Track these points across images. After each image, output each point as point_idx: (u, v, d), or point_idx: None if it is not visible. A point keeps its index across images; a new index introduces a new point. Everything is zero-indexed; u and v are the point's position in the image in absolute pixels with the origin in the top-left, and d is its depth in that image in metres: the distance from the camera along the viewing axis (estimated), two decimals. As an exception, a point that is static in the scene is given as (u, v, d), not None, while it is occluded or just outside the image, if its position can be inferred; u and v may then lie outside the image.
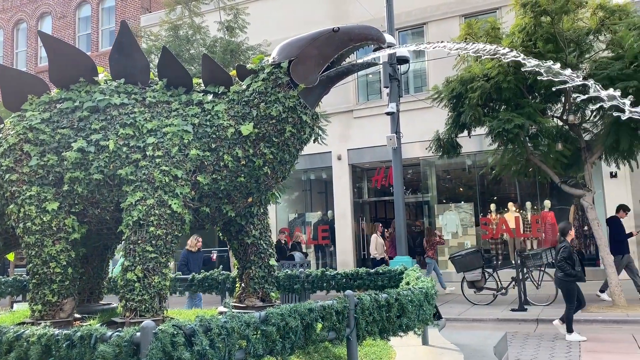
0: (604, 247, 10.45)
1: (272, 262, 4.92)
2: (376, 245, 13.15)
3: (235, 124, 4.39)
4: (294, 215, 18.60)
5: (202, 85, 4.81)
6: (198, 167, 4.37)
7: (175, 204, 4.24)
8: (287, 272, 6.32)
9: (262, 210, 5.00)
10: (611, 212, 14.08)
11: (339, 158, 16.96)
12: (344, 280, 6.03)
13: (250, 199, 4.64)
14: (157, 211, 4.22)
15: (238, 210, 4.69)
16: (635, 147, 10.43)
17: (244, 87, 4.55)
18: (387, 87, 11.69)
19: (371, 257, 13.04)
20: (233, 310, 3.75)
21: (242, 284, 4.93)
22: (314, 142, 14.90)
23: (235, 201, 4.56)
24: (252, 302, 4.77)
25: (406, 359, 4.13)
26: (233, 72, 4.79)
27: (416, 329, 3.89)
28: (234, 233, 4.95)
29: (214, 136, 4.40)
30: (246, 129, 4.34)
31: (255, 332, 2.97)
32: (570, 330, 8.01)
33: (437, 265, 13.65)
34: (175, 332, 2.63)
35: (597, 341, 7.91)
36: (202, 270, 7.26)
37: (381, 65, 11.66)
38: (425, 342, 4.59)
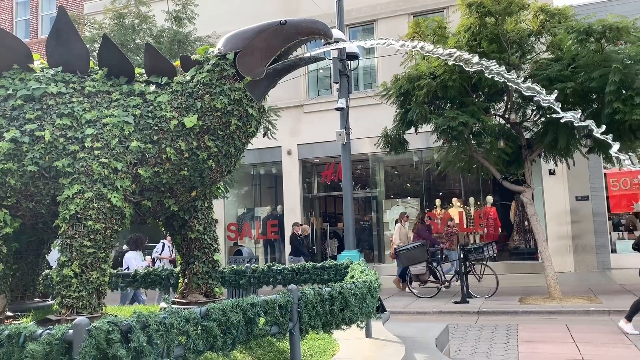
0: (542, 242, 10.89)
1: (217, 257, 4.85)
2: (400, 235, 12.94)
3: (179, 116, 4.29)
4: (243, 210, 18.45)
5: (145, 75, 4.67)
6: (139, 160, 4.24)
7: (115, 197, 4.11)
8: (232, 267, 6.25)
9: (206, 205, 4.91)
10: (550, 207, 14.74)
11: (289, 153, 16.93)
12: (290, 275, 6.01)
13: (194, 193, 4.55)
14: (95, 205, 4.07)
15: (181, 205, 4.60)
16: (572, 146, 10.92)
17: (188, 78, 4.45)
18: (336, 83, 11.72)
19: (394, 246, 12.86)
20: (172, 305, 3.67)
21: (185, 280, 4.84)
22: (264, 136, 14.85)
23: (178, 195, 4.46)
24: (195, 297, 4.69)
25: (349, 352, 4.17)
26: (177, 63, 4.68)
27: (359, 322, 3.94)
28: (177, 227, 4.84)
29: (156, 128, 4.28)
30: (190, 121, 4.25)
31: (195, 328, 2.92)
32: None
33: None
34: (111, 329, 2.55)
35: (533, 331, 8.24)
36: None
37: (331, 61, 11.70)
38: (368, 334, 4.65)
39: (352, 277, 4.60)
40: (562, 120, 3.77)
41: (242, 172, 16.22)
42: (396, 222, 13.58)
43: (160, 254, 11.49)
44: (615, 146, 3.80)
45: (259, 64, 4.39)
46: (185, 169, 4.32)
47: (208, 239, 4.82)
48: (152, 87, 4.50)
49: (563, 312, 9.38)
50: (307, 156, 17.15)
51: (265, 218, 17.74)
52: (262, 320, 3.26)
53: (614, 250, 14.48)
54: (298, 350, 3.40)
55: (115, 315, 2.98)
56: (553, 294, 10.32)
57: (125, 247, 10.73)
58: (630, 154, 10.88)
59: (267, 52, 4.41)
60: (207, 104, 4.31)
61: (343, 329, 3.79)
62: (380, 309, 5.89)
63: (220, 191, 5.44)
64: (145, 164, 4.25)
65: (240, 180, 16.55)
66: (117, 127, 4.25)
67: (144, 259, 10.62)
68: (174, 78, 4.53)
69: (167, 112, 4.32)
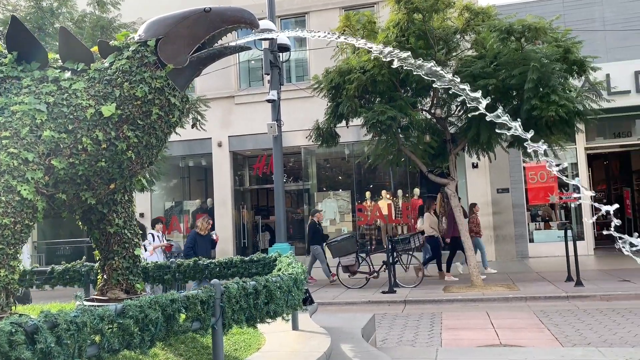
0: (464, 232, 11.34)
1: (138, 252, 4.67)
2: (430, 223, 12.70)
3: (96, 104, 4.07)
4: (171, 203, 17.97)
5: (60, 61, 4.40)
6: (53, 150, 3.99)
7: (25, 190, 3.85)
8: (156, 262, 6.06)
9: (126, 198, 4.71)
10: (473, 199, 15.36)
11: (220, 145, 16.64)
12: (217, 269, 5.91)
13: (112, 186, 4.35)
14: (3, 198, 3.80)
15: (99, 198, 4.38)
16: (494, 140, 11.38)
17: (107, 65, 4.23)
18: (268, 74, 11.63)
19: (425, 235, 12.60)
20: (85, 303, 3.49)
21: (104, 276, 4.63)
22: (193, 127, 14.50)
23: (95, 187, 4.25)
24: (115, 294, 4.49)
25: (275, 344, 4.15)
26: (95, 49, 4.44)
27: (285, 315, 3.92)
28: (95, 222, 4.61)
29: (71, 117, 4.04)
30: (108, 109, 4.05)
31: (110, 326, 2.80)
32: None
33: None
34: (14, 330, 2.38)
35: (456, 319, 8.57)
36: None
37: (262, 52, 11.58)
38: (295, 327, 4.65)
39: (280, 270, 4.57)
40: (490, 119, 3.86)
41: (170, 164, 15.77)
42: (421, 210, 13.46)
43: (152, 246, 11.12)
44: (529, 135, 3.89)
45: (182, 52, 4.25)
46: (103, 160, 4.12)
47: (128, 234, 4.63)
48: (67, 74, 4.25)
49: (484, 299, 9.81)
50: (239, 148, 16.93)
51: (194, 211, 17.36)
52: (182, 316, 3.17)
53: (531, 240, 15.32)
54: (221, 346, 3.34)
55: (21, 315, 2.79)
56: (475, 283, 10.78)
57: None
58: (546, 148, 11.54)
59: (190, 40, 4.27)
60: (126, 92, 4.12)
61: (268, 322, 3.76)
62: (308, 301, 5.91)
63: (142, 184, 5.24)
64: (59, 154, 4.01)
65: (168, 172, 16.09)
66: (27, 115, 3.98)
67: (163, 240, 10.39)
68: (91, 65, 4.29)
69: (83, 100, 4.09)
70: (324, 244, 12.47)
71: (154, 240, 11.14)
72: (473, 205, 13.17)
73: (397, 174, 16.58)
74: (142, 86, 4.12)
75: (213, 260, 6.08)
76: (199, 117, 13.42)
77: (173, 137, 11.62)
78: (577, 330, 7.28)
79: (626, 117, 15.26)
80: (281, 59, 11.93)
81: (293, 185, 17.71)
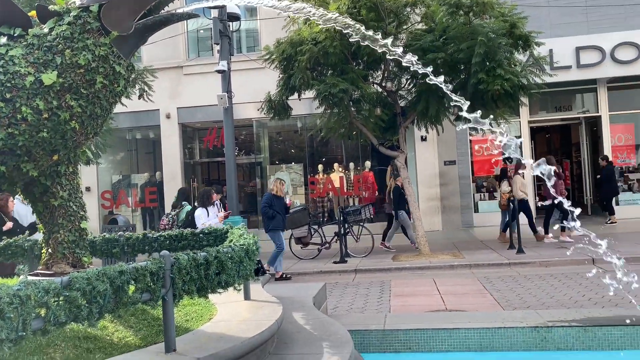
0: (413, 203, 11.62)
1: (84, 225, 4.55)
2: (520, 186, 12.17)
3: (36, 72, 3.89)
4: (119, 177, 17.50)
5: (-6, 25, 4.16)
6: (-11, 120, 3.81)
7: (-40, 161, 3.68)
8: (104, 235, 5.93)
9: (71, 170, 4.55)
10: (421, 171, 15.73)
11: (168, 116, 16.25)
12: (167, 242, 5.83)
13: (55, 157, 4.20)
14: (-63, 170, 3.62)
15: (42, 170, 4.22)
16: (442, 114, 11.63)
17: (46, 30, 4.04)
18: (217, 44, 11.36)
19: (511, 199, 11.94)
20: (29, 277, 3.41)
21: (49, 250, 4.50)
22: (140, 98, 14.06)
23: (37, 159, 4.09)
24: (60, 268, 4.38)
25: (227, 314, 4.19)
26: (32, 13, 4.22)
27: (236, 285, 3.95)
28: (38, 195, 4.45)
29: (8, 85, 3.85)
30: (49, 78, 3.88)
31: (56, 299, 2.74)
32: None
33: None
34: (-48, 306, 2.31)
35: (404, 286, 8.85)
36: None
37: (212, 21, 11.29)
38: (247, 297, 4.69)
39: (231, 241, 4.57)
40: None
41: (117, 136, 15.30)
42: (504, 174, 12.80)
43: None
44: (465, 105, 3.97)
45: (127, 18, 4.10)
46: (45, 130, 3.96)
47: (74, 206, 4.50)
48: (3, 40, 4.03)
49: (431, 267, 10.15)
50: (188, 120, 16.59)
51: (143, 185, 17.00)
52: (132, 288, 3.14)
53: (476, 210, 15.87)
54: (171, 317, 3.34)
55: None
56: (423, 252, 11.12)
57: (195, 204, 9.95)
58: (492, 121, 11.87)
59: (135, 6, 4.12)
60: (68, 59, 3.95)
61: (219, 293, 3.78)
62: (261, 271, 5.96)
63: (87, 156, 5.09)
64: (-4, 124, 3.83)
65: (115, 145, 15.61)
66: (-40, 83, 3.77)
67: (218, 213, 9.69)
68: (30, 30, 4.09)
69: (21, 67, 3.90)
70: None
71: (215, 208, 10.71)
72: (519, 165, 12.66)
73: (349, 147, 16.71)
74: (85, 53, 3.97)
75: (163, 234, 6.00)
76: (146, 88, 13.02)
77: (119, 109, 11.29)
78: (518, 295, 7.67)
79: (567, 91, 15.89)
80: (231, 29, 11.68)
81: (245, 158, 17.57)
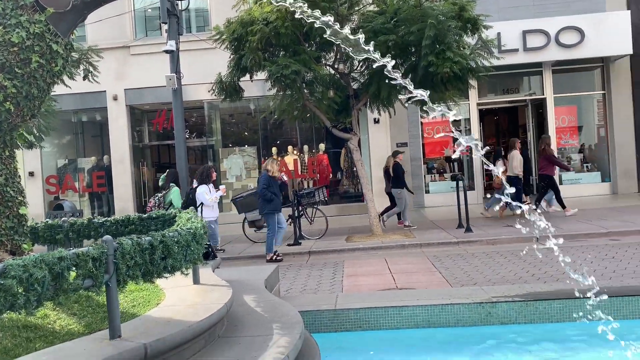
0: (366, 185, 11.75)
1: (23, 210, 4.38)
2: (519, 162, 12.39)
3: (-36, 50, 3.68)
4: (64, 161, 16.88)
5: None
6: None
7: None
8: (46, 222, 5.73)
9: (7, 153, 4.35)
10: (374, 153, 15.90)
11: (115, 98, 15.73)
12: (114, 227, 5.69)
13: (-11, 140, 4.01)
14: None
15: (-26, 153, 4.03)
16: (393, 96, 11.72)
17: (-25, 5, 3.82)
18: (165, 23, 11.06)
19: (508, 174, 12.26)
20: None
21: (-14, 237, 4.31)
22: (84, 79, 13.53)
23: (-31, 142, 3.90)
24: (-2, 256, 4.21)
25: (175, 299, 4.13)
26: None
27: (183, 270, 3.89)
28: (-29, 179, 4.25)
29: None
30: (-22, 56, 3.68)
31: (-10, 288, 2.63)
32: None
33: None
34: None
35: (357, 266, 8.97)
36: None
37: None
38: (196, 281, 4.64)
39: (179, 225, 4.50)
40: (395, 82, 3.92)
41: (61, 119, 14.74)
42: (499, 153, 13.19)
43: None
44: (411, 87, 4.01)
45: (63, -6, 3.92)
46: (-24, 111, 3.77)
47: (11, 192, 4.31)
48: None
49: (383, 247, 10.32)
50: (136, 102, 16.11)
51: (90, 169, 16.48)
52: (73, 274, 3.04)
53: (427, 191, 16.21)
54: (116, 302, 3.26)
55: None
56: (375, 232, 11.28)
57: (195, 182, 9.90)
58: (442, 104, 12.04)
59: (72, -19, 3.94)
60: (0, 37, 3.75)
61: (166, 277, 3.72)
62: (211, 255, 5.91)
63: (24, 138, 4.87)
64: None
65: (59, 128, 15.04)
66: None
67: (218, 189, 9.79)
68: (-44, 4, 3.85)
69: (-52, 44, 3.69)
70: (230, 199, 12.40)
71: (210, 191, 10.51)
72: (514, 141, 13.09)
73: (303, 129, 16.68)
74: (18, 31, 3.78)
75: (109, 219, 5.85)
76: (91, 69, 12.54)
77: (63, 90, 10.92)
78: (465, 272, 7.90)
79: (514, 74, 16.32)
80: (179, 7, 11.38)
81: (196, 141, 17.27)
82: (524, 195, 12.82)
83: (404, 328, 5.19)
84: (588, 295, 4.19)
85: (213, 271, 5.43)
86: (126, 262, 3.28)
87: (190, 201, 9.28)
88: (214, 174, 9.93)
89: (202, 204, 9.24)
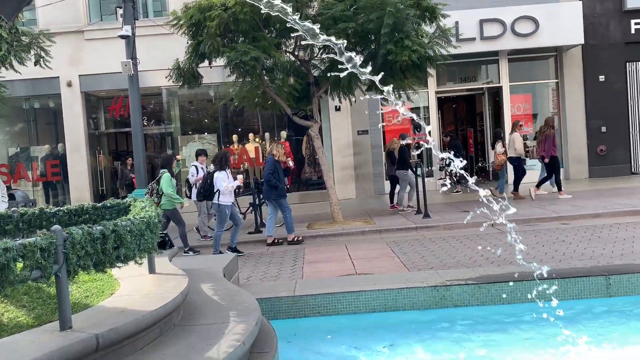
0: (327, 172, 11.80)
1: (-33, 201, 4.23)
2: (519, 143, 12.75)
3: None
4: (16, 149, 16.31)
5: None
6: None
7: None
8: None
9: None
10: (336, 141, 15.97)
11: (69, 84, 15.26)
12: (67, 217, 5.54)
13: None
14: None
15: None
16: (354, 84, 11.78)
17: None
18: (120, 8, 10.76)
19: (510, 155, 12.71)
20: None
21: None
22: (36, 65, 13.07)
23: None
24: (-59, 248, 4.05)
25: (129, 289, 4.07)
26: None
27: (137, 259, 3.84)
28: None
29: None
30: None
31: None
32: None
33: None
34: None
35: (318, 253, 9.04)
36: None
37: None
38: (152, 270, 4.58)
39: (133, 214, 4.42)
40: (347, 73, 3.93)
41: (12, 106, 14.21)
42: (498, 136, 13.65)
43: (196, 178, 10.62)
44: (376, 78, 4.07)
45: (6, -24, 3.77)
46: None
47: (-46, 181, 4.15)
48: None
49: (343, 234, 10.43)
50: (92, 89, 15.67)
51: (43, 158, 15.99)
52: (20, 265, 2.96)
53: (387, 178, 16.39)
54: (66, 293, 3.19)
55: None
56: (336, 219, 11.37)
57: (211, 167, 9.85)
58: (402, 92, 12.16)
59: (15, -38, 3.79)
60: (-62, 19, 3.58)
61: (119, 267, 3.66)
62: (168, 244, 5.85)
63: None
64: None
65: (10, 115, 14.50)
66: None
67: (236, 178, 9.62)
68: None
69: None
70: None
71: (197, 172, 10.65)
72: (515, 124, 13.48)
73: (265, 116, 16.58)
74: (-43, 13, 3.61)
75: (62, 208, 5.70)
76: (43, 54, 12.08)
77: (13, 76, 10.55)
78: (423, 257, 8.08)
79: (472, 63, 16.62)
80: (135, -8, 11.08)
81: (155, 128, 16.95)
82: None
83: (361, 312, 5.28)
84: (535, 277, 4.37)
85: (170, 260, 5.38)
86: (77, 252, 3.22)
87: (208, 186, 9.34)
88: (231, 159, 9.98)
89: (219, 189, 9.21)
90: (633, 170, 16.27)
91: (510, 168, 13.26)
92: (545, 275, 4.46)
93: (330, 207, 11.61)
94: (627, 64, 16.20)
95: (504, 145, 13.13)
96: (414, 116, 4.65)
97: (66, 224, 5.46)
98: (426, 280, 5.57)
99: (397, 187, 12.84)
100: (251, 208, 11.52)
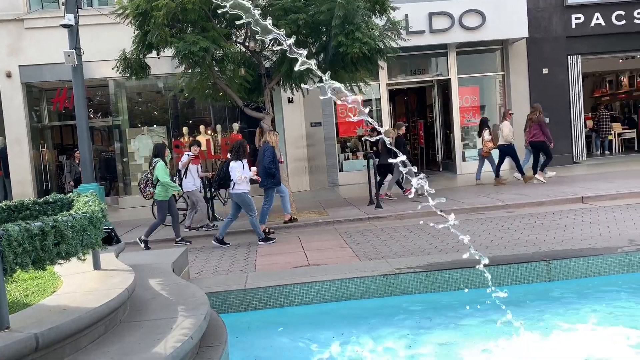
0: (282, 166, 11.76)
1: None
2: (508, 131, 13.15)
3: None
4: (-49, 143, 15.50)
5: None
6: None
7: None
8: None
9: None
10: (289, 133, 15.94)
11: (9, 75, 14.58)
12: (6, 213, 5.30)
13: None
14: None
15: None
16: (306, 76, 11.76)
17: None
18: (61, -5, 10.33)
19: (501, 143, 13.22)
20: None
21: None
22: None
23: None
24: None
25: (73, 286, 3.95)
26: None
27: (80, 255, 3.73)
28: None
29: None
30: None
31: None
32: None
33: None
34: None
35: (271, 246, 9.02)
36: None
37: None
38: (97, 267, 4.45)
39: (76, 210, 4.29)
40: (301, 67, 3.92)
41: (-54, 97, 13.46)
42: (485, 123, 13.88)
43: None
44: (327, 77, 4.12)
45: None
46: None
47: None
48: None
49: (297, 226, 10.45)
50: (33, 80, 15.03)
51: (-18, 152, 15.24)
52: (-49, 265, 2.83)
53: (341, 169, 16.56)
54: (3, 292, 3.06)
55: None
56: (290, 211, 11.34)
57: (229, 155, 9.69)
58: (353, 84, 12.22)
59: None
60: None
61: (60, 264, 3.54)
62: (114, 240, 5.70)
63: None
64: None
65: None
66: None
67: (250, 169, 9.32)
68: None
69: None
70: (139, 182, 11.96)
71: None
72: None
73: (217, 108, 16.36)
74: None
75: (1, 204, 5.46)
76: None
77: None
78: (374, 247, 8.19)
79: (422, 55, 16.89)
80: (77, -21, 10.65)
81: (101, 121, 16.46)
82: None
83: (313, 303, 5.32)
84: (480, 264, 4.51)
85: (117, 256, 5.25)
86: (13, 250, 3.09)
87: (223, 175, 9.41)
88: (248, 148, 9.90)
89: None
90: (574, 160, 16.96)
91: (496, 154, 13.75)
92: (489, 262, 4.62)
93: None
94: (569, 57, 16.85)
95: (491, 133, 13.56)
96: (367, 118, 4.69)
97: (5, 220, 5.25)
98: (376, 269, 5.66)
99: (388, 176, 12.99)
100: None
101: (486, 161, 13.66)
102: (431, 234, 8.58)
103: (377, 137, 12.97)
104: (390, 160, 12.17)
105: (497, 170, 13.37)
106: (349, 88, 12.18)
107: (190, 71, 11.42)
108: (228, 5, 4.00)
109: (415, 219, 10.05)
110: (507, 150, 13.27)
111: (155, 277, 4.97)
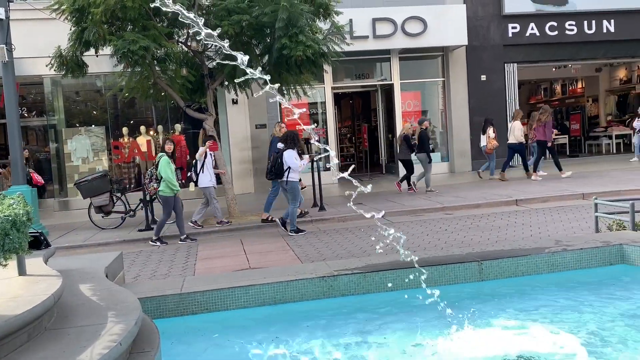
0: (222, 167, 11.65)
1: None
2: (519, 130, 13.96)
3: None
4: None
5: None
6: None
7: None
8: None
9: None
10: (233, 134, 15.81)
11: None
12: None
13: None
14: None
15: None
16: (249, 79, 11.68)
17: None
18: (-9, -12, 9.84)
19: (511, 142, 14.06)
20: None
21: None
22: None
23: None
24: None
25: (-6, 293, 3.77)
26: None
27: (2, 260, 3.56)
28: None
29: None
30: None
31: None
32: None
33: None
34: None
35: (212, 249, 8.92)
36: None
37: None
38: (22, 272, 4.26)
39: (0, 212, 4.08)
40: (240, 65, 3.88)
41: None
42: (486, 122, 14.57)
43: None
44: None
45: None
46: None
47: None
48: None
49: (239, 229, 10.37)
50: (-39, 76, 14.18)
51: None
52: None
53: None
54: None
55: None
56: (232, 214, 11.27)
57: (280, 145, 9.80)
58: (297, 87, 12.25)
59: None
60: None
61: (-22, 270, 3.37)
62: (43, 244, 5.46)
63: None
64: None
65: None
66: None
67: (302, 158, 9.44)
68: None
69: None
70: (74, 184, 11.56)
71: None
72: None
73: (159, 108, 16.01)
74: None
75: None
76: None
77: None
78: (316, 249, 8.24)
79: (366, 60, 17.17)
80: (9, -29, 10.18)
81: (36, 120, 15.77)
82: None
83: (251, 307, 5.27)
84: (415, 265, 4.63)
85: (46, 261, 5.03)
86: None
87: (279, 165, 9.35)
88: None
89: (289, 167, 9.23)
90: (510, 164, 17.63)
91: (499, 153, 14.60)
92: (426, 263, 4.74)
93: (227, 202, 11.47)
94: (505, 64, 17.56)
95: (494, 131, 14.38)
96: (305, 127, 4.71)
97: None
98: (315, 272, 5.68)
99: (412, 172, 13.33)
100: (141, 204, 11.06)
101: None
102: (373, 236, 8.70)
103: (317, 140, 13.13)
104: (419, 155, 12.67)
105: (504, 165, 14.37)
106: (294, 91, 12.22)
107: (129, 70, 11.12)
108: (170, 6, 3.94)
109: (358, 221, 10.19)
110: (519, 149, 14.31)
111: (87, 282, 4.79)
